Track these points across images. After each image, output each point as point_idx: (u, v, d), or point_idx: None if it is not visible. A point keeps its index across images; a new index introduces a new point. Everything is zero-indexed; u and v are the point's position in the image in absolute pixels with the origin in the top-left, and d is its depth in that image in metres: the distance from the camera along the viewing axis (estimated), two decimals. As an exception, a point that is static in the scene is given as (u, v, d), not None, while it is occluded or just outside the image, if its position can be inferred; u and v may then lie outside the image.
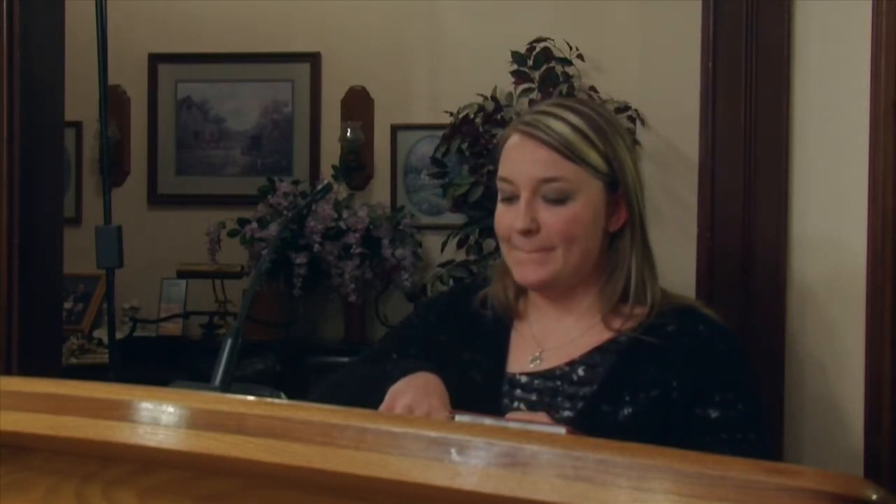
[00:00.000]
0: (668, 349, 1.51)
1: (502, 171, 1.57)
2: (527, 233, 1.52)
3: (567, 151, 1.52)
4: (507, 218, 1.55)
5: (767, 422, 1.68)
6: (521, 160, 1.54)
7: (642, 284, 1.56)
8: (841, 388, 1.94)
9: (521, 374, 1.59)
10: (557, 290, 1.59)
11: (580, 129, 1.53)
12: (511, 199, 1.55)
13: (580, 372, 1.55)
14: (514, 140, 1.57)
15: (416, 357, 1.62)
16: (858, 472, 1.77)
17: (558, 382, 1.55)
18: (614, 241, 1.58)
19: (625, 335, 1.55)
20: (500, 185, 1.57)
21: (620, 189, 1.55)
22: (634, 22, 3.87)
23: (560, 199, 1.52)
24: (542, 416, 1.46)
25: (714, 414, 1.48)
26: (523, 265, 1.55)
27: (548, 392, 1.55)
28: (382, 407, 1.44)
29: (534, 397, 1.56)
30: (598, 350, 1.56)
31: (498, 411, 1.53)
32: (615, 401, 1.50)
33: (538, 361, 1.59)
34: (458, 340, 1.65)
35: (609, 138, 1.54)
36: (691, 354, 1.51)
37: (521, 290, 1.65)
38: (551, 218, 1.52)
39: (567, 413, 1.52)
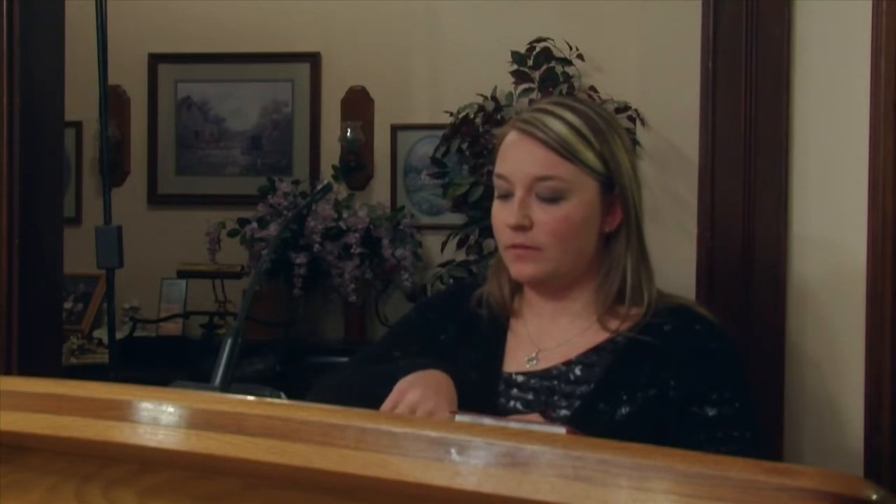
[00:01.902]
0: (665, 349, 1.52)
1: (499, 168, 1.58)
2: (519, 228, 1.53)
3: (563, 150, 1.52)
4: (501, 215, 1.56)
5: (762, 420, 1.68)
6: (517, 158, 1.55)
7: (638, 285, 1.56)
8: (841, 388, 1.94)
9: (517, 373, 1.59)
10: (553, 289, 1.60)
11: (577, 129, 1.53)
12: (506, 196, 1.56)
13: (577, 371, 1.55)
14: (512, 137, 1.57)
15: (418, 356, 1.63)
16: (858, 472, 1.77)
17: (555, 382, 1.55)
18: (610, 241, 1.58)
19: (622, 336, 1.55)
20: (496, 181, 1.58)
21: (616, 189, 1.56)
22: (634, 22, 3.86)
23: (553, 198, 1.52)
24: (535, 416, 1.46)
25: (711, 412, 1.48)
26: (517, 261, 1.56)
27: (544, 391, 1.55)
28: (389, 399, 1.44)
29: (530, 396, 1.56)
30: (595, 350, 1.56)
31: (494, 410, 1.53)
32: (612, 400, 1.50)
33: (535, 361, 1.59)
34: (456, 339, 1.66)
35: (606, 138, 1.55)
36: (688, 353, 1.51)
37: (517, 289, 1.65)
38: (544, 216, 1.52)
39: (564, 412, 1.52)
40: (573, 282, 1.59)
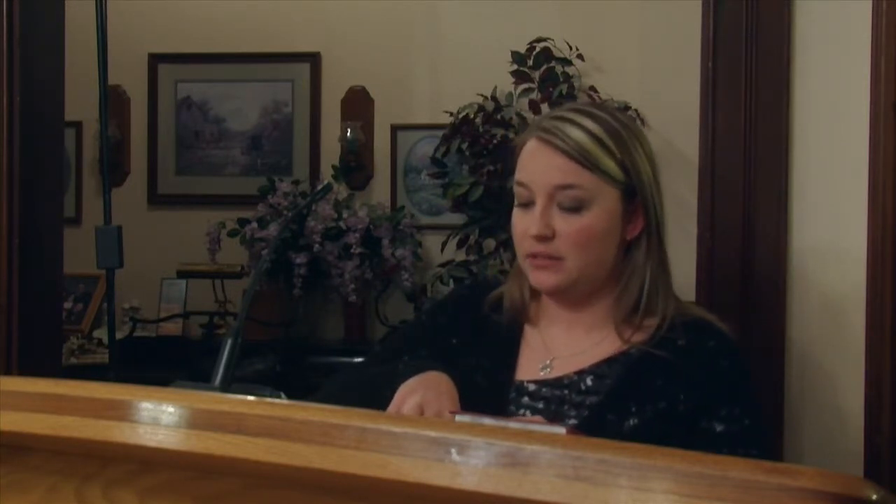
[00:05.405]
0: (677, 363, 1.51)
1: (519, 175, 1.56)
2: (541, 238, 1.51)
3: (583, 160, 1.51)
4: (522, 223, 1.55)
5: (770, 441, 1.67)
6: (537, 166, 1.54)
7: (655, 295, 1.55)
8: (841, 388, 1.94)
9: (529, 381, 1.58)
10: (571, 298, 1.58)
11: (597, 137, 1.52)
12: (527, 204, 1.54)
13: (588, 381, 1.54)
14: (531, 146, 1.56)
15: (426, 358, 1.62)
16: (858, 472, 1.76)
17: (566, 391, 1.55)
18: (630, 249, 1.57)
19: (635, 348, 1.54)
20: (516, 189, 1.57)
21: (637, 198, 1.55)
22: (634, 22, 3.87)
23: (575, 208, 1.51)
24: (538, 418, 1.46)
25: (719, 427, 1.48)
26: (538, 271, 1.54)
27: (555, 400, 1.54)
28: (392, 404, 1.44)
29: (540, 405, 1.55)
30: (608, 361, 1.55)
31: (503, 417, 1.52)
32: (621, 411, 1.49)
33: (548, 369, 1.58)
34: (468, 343, 1.64)
35: (627, 146, 1.53)
36: (700, 369, 1.50)
37: (535, 294, 1.64)
38: (566, 226, 1.51)
39: (572, 421, 1.51)
40: (592, 291, 1.57)
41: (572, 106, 1.65)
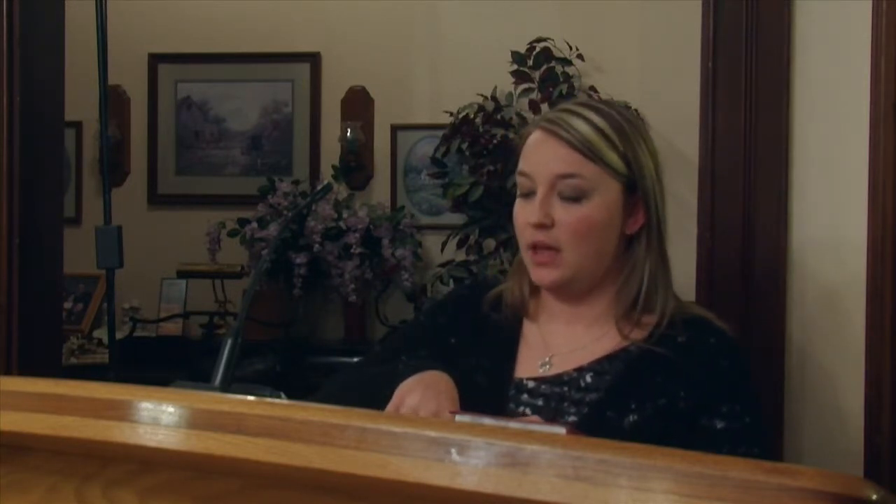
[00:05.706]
0: (677, 360, 1.51)
1: (522, 165, 1.57)
2: (540, 226, 1.52)
3: (586, 150, 1.52)
4: (523, 213, 1.56)
5: (770, 439, 1.66)
6: (540, 156, 1.55)
7: (654, 292, 1.55)
8: (841, 388, 1.94)
9: (528, 378, 1.58)
10: (572, 293, 1.59)
11: (601, 129, 1.53)
12: (528, 194, 1.55)
13: (588, 378, 1.54)
14: (536, 136, 1.57)
15: (426, 358, 1.62)
16: (858, 472, 1.77)
17: (565, 388, 1.55)
18: (630, 244, 1.57)
19: (635, 345, 1.54)
20: (518, 180, 1.58)
21: (639, 192, 1.55)
22: (634, 22, 3.87)
23: (575, 198, 1.52)
24: (535, 418, 1.46)
25: (720, 425, 1.48)
26: (538, 267, 1.55)
27: (554, 397, 1.54)
28: (391, 403, 1.44)
29: (540, 402, 1.55)
30: (608, 358, 1.55)
31: (503, 416, 1.52)
32: (621, 408, 1.49)
33: (547, 367, 1.58)
34: (467, 343, 1.64)
35: (630, 140, 1.54)
36: (701, 366, 1.50)
37: (535, 290, 1.64)
38: (565, 216, 1.52)
39: (572, 419, 1.51)
40: (592, 286, 1.58)
41: (578, 101, 1.66)
